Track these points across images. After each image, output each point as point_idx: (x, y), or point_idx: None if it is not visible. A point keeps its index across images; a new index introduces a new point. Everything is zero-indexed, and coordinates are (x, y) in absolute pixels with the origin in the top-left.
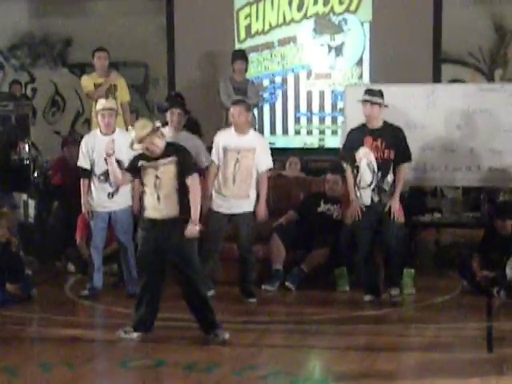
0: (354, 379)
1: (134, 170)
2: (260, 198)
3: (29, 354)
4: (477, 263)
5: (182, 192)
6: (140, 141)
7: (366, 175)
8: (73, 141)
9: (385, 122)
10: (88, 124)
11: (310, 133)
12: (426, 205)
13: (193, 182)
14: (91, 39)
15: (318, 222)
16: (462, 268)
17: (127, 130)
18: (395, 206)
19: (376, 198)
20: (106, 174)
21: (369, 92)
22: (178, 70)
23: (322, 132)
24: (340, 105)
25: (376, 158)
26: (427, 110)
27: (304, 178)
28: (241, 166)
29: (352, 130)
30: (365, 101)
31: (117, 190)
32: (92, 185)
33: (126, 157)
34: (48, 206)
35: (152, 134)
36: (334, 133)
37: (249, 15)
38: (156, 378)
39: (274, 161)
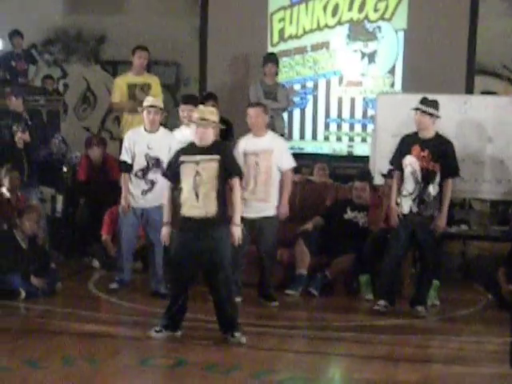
0: None
1: (174, 170)
2: (283, 196)
3: (51, 347)
4: (503, 277)
5: (222, 192)
6: (202, 118)
7: (409, 184)
8: (97, 142)
9: (437, 134)
10: (118, 122)
11: (339, 139)
12: (454, 216)
13: (236, 184)
14: (125, 37)
15: (343, 229)
16: (487, 281)
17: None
18: (442, 224)
19: (415, 209)
20: (143, 171)
21: (422, 100)
22: (209, 71)
23: (351, 139)
24: (370, 112)
25: (421, 168)
26: (459, 121)
27: (331, 185)
28: (260, 169)
29: (404, 137)
30: (416, 109)
31: (151, 187)
32: (128, 181)
33: (166, 157)
34: (75, 202)
35: (214, 123)
36: (364, 140)
37: (283, 19)
38: (175, 378)
39: (301, 166)
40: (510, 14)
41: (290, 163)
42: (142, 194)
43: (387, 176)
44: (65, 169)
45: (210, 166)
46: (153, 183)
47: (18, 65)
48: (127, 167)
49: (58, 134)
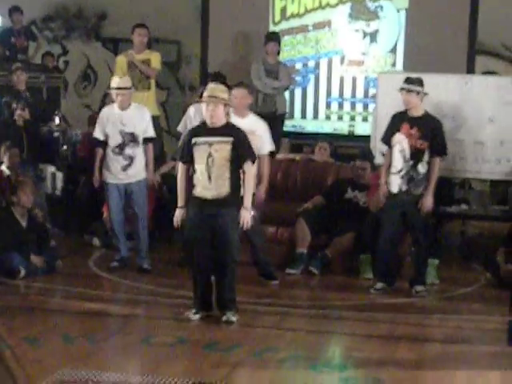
0: (374, 366)
1: (187, 151)
2: (261, 181)
3: (51, 325)
4: (502, 256)
5: (235, 175)
6: (211, 96)
7: (397, 161)
8: None
9: (426, 112)
10: None
11: (340, 118)
12: (454, 196)
13: (249, 168)
14: (126, 14)
15: (344, 208)
16: (486, 261)
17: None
18: (427, 202)
19: (404, 187)
20: (120, 147)
21: (407, 80)
22: (210, 49)
23: (352, 118)
24: (372, 91)
25: (410, 146)
26: (460, 101)
27: (332, 164)
28: None
29: (395, 115)
30: (401, 89)
31: (131, 162)
32: (107, 156)
33: (140, 131)
34: (75, 180)
35: (224, 102)
36: (365, 119)
37: None
38: (175, 356)
39: (303, 145)
40: None
41: (268, 147)
42: (123, 170)
43: (365, 158)
44: (65, 146)
45: (223, 148)
46: (131, 158)
47: (18, 41)
48: (99, 143)
49: (58, 112)
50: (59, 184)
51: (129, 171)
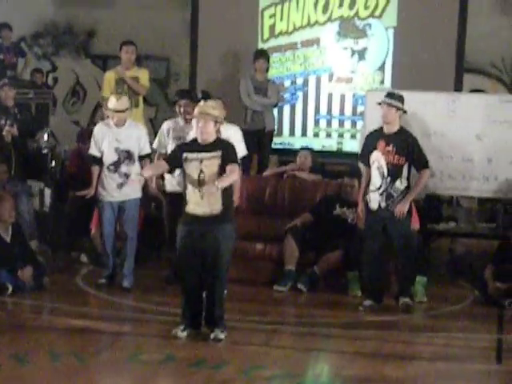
0: None
1: (176, 160)
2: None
3: (38, 342)
4: (490, 274)
5: (227, 191)
6: (202, 112)
7: (376, 179)
8: (89, 135)
9: (401, 128)
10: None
11: (328, 135)
12: (442, 213)
13: (232, 168)
14: (115, 31)
15: (332, 225)
16: (474, 278)
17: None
18: (401, 207)
19: (383, 204)
20: (115, 165)
21: (388, 95)
22: (199, 66)
23: (340, 135)
24: (360, 109)
25: (387, 163)
26: (447, 119)
27: (320, 181)
28: None
29: (370, 133)
30: (382, 102)
31: (126, 181)
32: (102, 174)
33: (135, 147)
34: (64, 196)
35: (214, 119)
36: (353, 137)
37: (273, 15)
38: (163, 374)
39: (290, 162)
40: (498, 13)
41: (242, 153)
42: (118, 188)
43: (353, 176)
44: (53, 163)
45: (213, 163)
46: (127, 176)
47: (7, 58)
48: (95, 160)
49: (47, 128)
50: (47, 200)
51: (123, 189)
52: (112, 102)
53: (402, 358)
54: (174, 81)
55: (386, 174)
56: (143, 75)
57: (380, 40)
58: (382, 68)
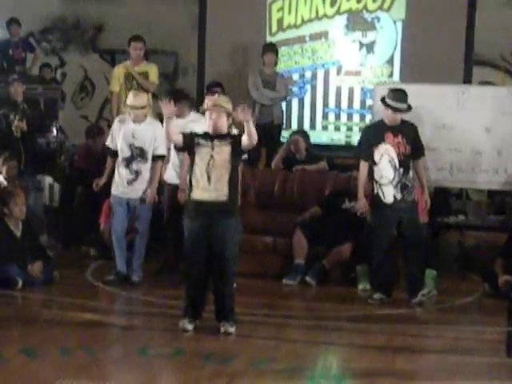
0: (371, 377)
1: (190, 138)
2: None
3: (48, 336)
4: (499, 267)
5: (233, 179)
6: (215, 105)
7: (388, 172)
8: (97, 131)
9: (402, 119)
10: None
11: (337, 129)
12: (451, 206)
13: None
14: (123, 26)
15: (341, 219)
16: (484, 271)
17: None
18: (428, 200)
19: (399, 195)
20: (127, 161)
21: (393, 95)
22: (208, 60)
23: (349, 129)
24: (369, 102)
25: (398, 154)
26: (456, 111)
27: (329, 173)
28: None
29: (369, 127)
30: (388, 106)
31: (136, 178)
32: (116, 169)
33: (149, 146)
34: (73, 190)
35: (227, 112)
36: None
37: (281, 8)
38: (173, 367)
39: None
40: (508, 5)
41: None
42: (128, 184)
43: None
44: (62, 157)
45: (224, 150)
46: (137, 173)
47: (16, 53)
48: (111, 152)
49: (56, 123)
50: (56, 195)
51: (133, 186)
52: (130, 99)
53: (412, 351)
54: (182, 75)
55: (397, 165)
56: (152, 71)
57: (388, 33)
58: (390, 61)
